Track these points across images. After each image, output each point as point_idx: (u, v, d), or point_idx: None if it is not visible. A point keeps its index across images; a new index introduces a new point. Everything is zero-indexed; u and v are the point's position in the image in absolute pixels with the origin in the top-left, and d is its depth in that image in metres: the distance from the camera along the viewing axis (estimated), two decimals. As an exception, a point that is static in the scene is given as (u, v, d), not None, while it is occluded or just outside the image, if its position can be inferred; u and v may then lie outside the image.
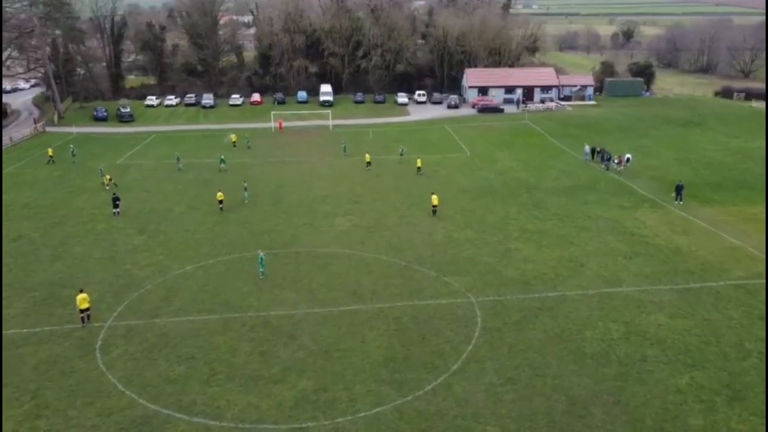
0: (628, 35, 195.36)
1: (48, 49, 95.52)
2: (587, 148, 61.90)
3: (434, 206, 44.90)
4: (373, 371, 25.58)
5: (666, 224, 42.52)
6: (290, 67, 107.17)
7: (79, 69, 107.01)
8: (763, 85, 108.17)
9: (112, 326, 29.58)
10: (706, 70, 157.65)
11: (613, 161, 57.62)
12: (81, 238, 41.68)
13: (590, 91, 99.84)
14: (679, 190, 47.12)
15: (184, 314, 30.60)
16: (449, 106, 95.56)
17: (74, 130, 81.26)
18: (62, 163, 63.30)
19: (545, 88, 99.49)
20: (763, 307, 30.35)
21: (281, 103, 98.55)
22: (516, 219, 44.24)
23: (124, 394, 24.18)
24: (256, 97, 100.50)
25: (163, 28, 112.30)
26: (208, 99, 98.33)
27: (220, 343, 27.86)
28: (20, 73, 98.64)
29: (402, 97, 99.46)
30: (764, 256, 36.27)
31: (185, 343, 27.91)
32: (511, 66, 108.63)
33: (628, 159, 57.38)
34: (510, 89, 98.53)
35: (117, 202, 46.24)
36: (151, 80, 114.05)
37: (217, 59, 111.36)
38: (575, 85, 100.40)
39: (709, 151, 65.24)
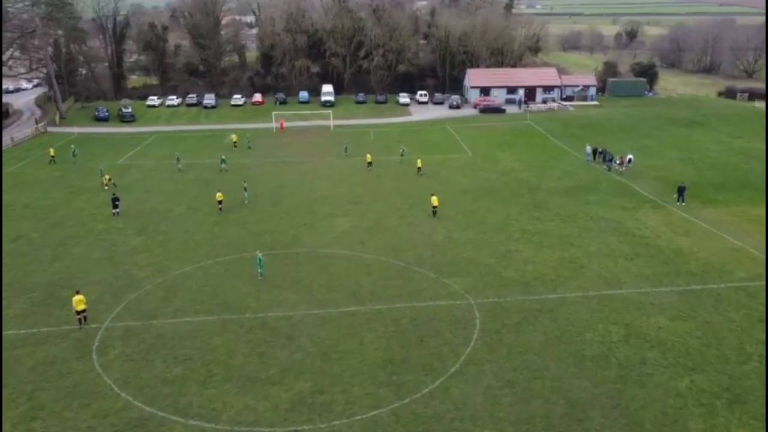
0: (632, 35, 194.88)
1: (50, 49, 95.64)
2: (589, 149, 61.64)
3: (434, 207, 44.72)
4: (371, 373, 25.42)
5: (667, 225, 42.26)
6: (292, 67, 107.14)
7: (81, 69, 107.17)
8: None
9: (109, 327, 29.48)
10: (710, 70, 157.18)
11: (615, 162, 57.36)
12: (80, 238, 41.62)
13: (593, 91, 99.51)
14: (681, 191, 46.83)
15: (183, 315, 30.49)
16: (451, 107, 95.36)
17: (75, 130, 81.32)
18: (63, 163, 63.31)
19: (547, 89, 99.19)
20: (764, 309, 30.10)
21: (283, 103, 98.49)
22: (517, 220, 44.04)
23: (120, 396, 24.06)
24: (257, 97, 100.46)
25: (165, 28, 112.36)
26: (209, 99, 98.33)
27: (218, 345, 27.73)
28: (22, 73, 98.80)
29: (404, 98, 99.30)
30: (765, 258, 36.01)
31: (183, 344, 27.78)
32: (514, 66, 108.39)
33: (629, 159, 57.13)
34: (512, 89, 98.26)
35: (116, 203, 46.18)
36: (154, 80, 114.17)
37: (219, 59, 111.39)
38: (578, 86, 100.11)
39: (712, 151, 64.93)
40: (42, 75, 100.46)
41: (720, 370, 25.27)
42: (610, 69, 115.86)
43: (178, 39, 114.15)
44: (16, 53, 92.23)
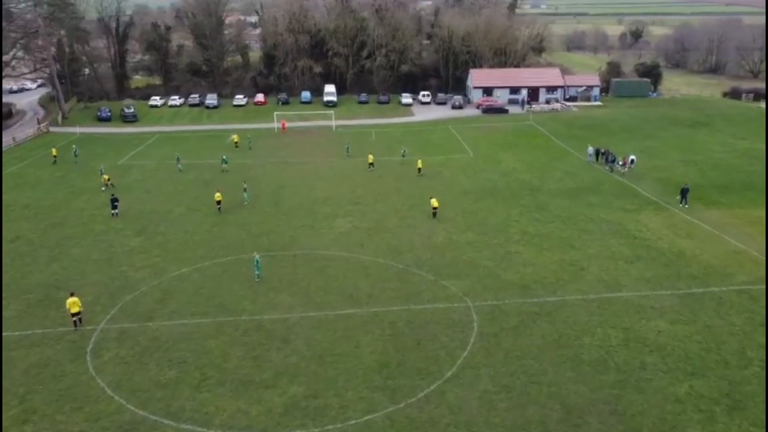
0: (637, 35, 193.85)
1: (53, 49, 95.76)
2: (590, 150, 61.24)
3: (434, 208, 44.43)
4: (366, 377, 25.17)
5: (669, 227, 41.86)
6: (294, 67, 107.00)
7: (84, 69, 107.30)
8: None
9: (104, 329, 29.34)
10: (715, 70, 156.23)
11: (618, 163, 56.93)
12: (79, 239, 41.53)
13: (596, 91, 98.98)
14: (684, 193, 46.32)
15: (178, 317, 30.31)
16: (453, 107, 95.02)
17: (77, 130, 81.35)
18: (64, 163, 63.32)
19: (551, 89, 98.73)
20: (765, 313, 29.68)
21: (285, 103, 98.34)
22: (518, 221, 43.71)
23: (113, 399, 23.89)
24: (259, 97, 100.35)
25: (168, 28, 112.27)
26: (211, 99, 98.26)
27: (213, 347, 27.54)
28: (25, 73, 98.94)
29: (406, 98, 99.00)
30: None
31: (177, 347, 27.60)
32: (517, 66, 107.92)
33: (632, 160, 56.70)
34: (515, 90, 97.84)
35: (116, 203, 46.07)
36: (157, 80, 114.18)
37: (222, 59, 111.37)
38: (581, 86, 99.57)
39: (716, 152, 64.40)
40: (45, 75, 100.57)
41: (720, 375, 24.91)
42: (614, 69, 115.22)
43: (181, 39, 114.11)
44: (19, 53, 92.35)
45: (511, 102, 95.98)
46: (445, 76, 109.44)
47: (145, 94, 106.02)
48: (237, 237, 41.45)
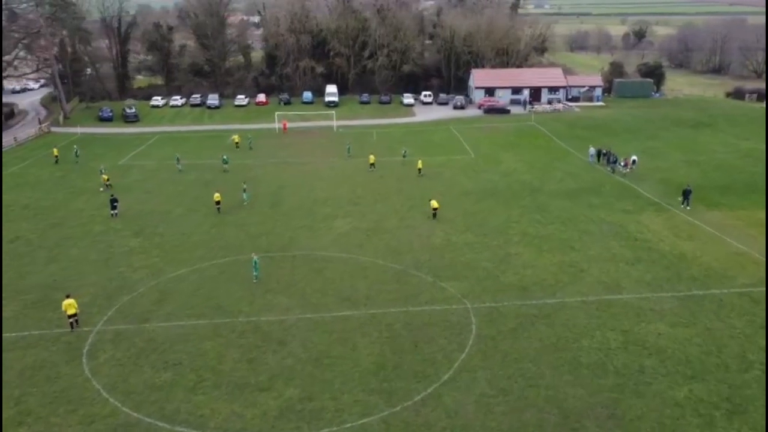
0: (640, 35, 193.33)
1: (56, 49, 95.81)
2: (592, 150, 60.96)
3: (434, 209, 44.23)
4: (363, 380, 24.99)
5: (671, 229, 41.57)
6: (296, 67, 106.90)
7: (87, 69, 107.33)
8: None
9: (101, 330, 29.21)
10: (719, 70, 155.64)
11: (620, 163, 56.62)
12: (78, 239, 41.44)
13: (599, 92, 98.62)
14: (686, 194, 45.97)
15: (175, 319, 30.17)
16: (455, 107, 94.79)
17: (79, 130, 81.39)
18: (65, 163, 63.30)
19: (553, 89, 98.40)
20: (765, 315, 29.42)
21: (287, 103, 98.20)
22: (518, 222, 43.47)
23: (108, 402, 23.75)
24: (261, 97, 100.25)
25: (170, 28, 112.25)
26: (213, 99, 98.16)
27: (209, 349, 27.38)
28: (27, 73, 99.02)
29: (408, 98, 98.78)
30: (771, 263, 35.32)
31: (173, 348, 27.46)
32: (519, 66, 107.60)
33: (634, 161, 56.41)
34: (517, 90, 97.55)
35: (115, 204, 46.00)
36: (159, 81, 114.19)
37: (224, 59, 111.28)
38: (583, 86, 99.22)
39: (719, 153, 64.05)
40: (47, 75, 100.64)
41: (720, 378, 24.66)
42: (617, 69, 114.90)
43: (183, 39, 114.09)
44: (21, 53, 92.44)
45: (513, 102, 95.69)
46: (447, 77, 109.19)
47: (147, 94, 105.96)
48: (236, 238, 41.32)
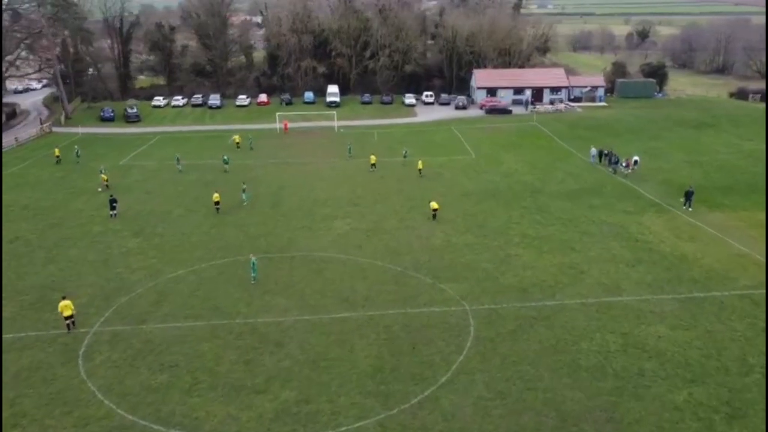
0: (643, 35, 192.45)
1: (58, 49, 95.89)
2: (594, 151, 60.67)
3: (434, 210, 44.05)
4: (360, 382, 24.83)
5: (672, 230, 41.31)
6: (298, 67, 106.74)
7: (89, 69, 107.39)
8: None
9: (98, 332, 29.11)
10: (722, 70, 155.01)
11: (621, 164, 56.32)
12: (77, 240, 41.37)
13: (601, 92, 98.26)
14: (688, 195, 45.69)
15: (172, 320, 30.06)
16: (457, 107, 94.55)
17: (80, 130, 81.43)
18: (66, 164, 63.28)
19: (555, 89, 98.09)
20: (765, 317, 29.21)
21: (288, 103, 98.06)
22: (518, 223, 43.25)
23: (103, 404, 23.64)
24: (262, 97, 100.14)
25: (172, 28, 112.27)
26: (214, 100, 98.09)
27: (206, 351, 27.26)
28: (30, 74, 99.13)
29: (409, 98, 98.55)
30: (773, 265, 35.03)
31: (170, 350, 27.34)
32: (521, 67, 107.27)
33: (635, 161, 56.11)
34: (519, 90, 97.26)
35: (114, 204, 45.92)
36: (161, 81, 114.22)
37: (226, 60, 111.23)
38: (585, 86, 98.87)
39: (722, 153, 63.70)
40: (50, 75, 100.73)
41: (720, 382, 24.43)
42: (619, 69, 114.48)
43: (185, 39, 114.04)
44: (24, 53, 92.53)
45: (515, 102, 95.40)
46: (449, 77, 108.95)
47: (149, 94, 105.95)
48: (235, 238, 41.20)
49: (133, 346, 27.79)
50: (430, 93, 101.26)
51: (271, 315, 30.38)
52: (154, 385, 24.75)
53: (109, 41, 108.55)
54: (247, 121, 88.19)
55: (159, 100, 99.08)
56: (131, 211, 47.17)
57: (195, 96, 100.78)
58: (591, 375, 25.04)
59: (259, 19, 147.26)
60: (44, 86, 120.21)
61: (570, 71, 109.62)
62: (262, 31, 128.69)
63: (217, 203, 46.58)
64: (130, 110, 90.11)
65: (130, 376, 25.44)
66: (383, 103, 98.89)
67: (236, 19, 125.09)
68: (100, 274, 35.60)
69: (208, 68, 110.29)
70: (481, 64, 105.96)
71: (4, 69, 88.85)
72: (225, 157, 60.69)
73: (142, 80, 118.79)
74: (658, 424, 22.06)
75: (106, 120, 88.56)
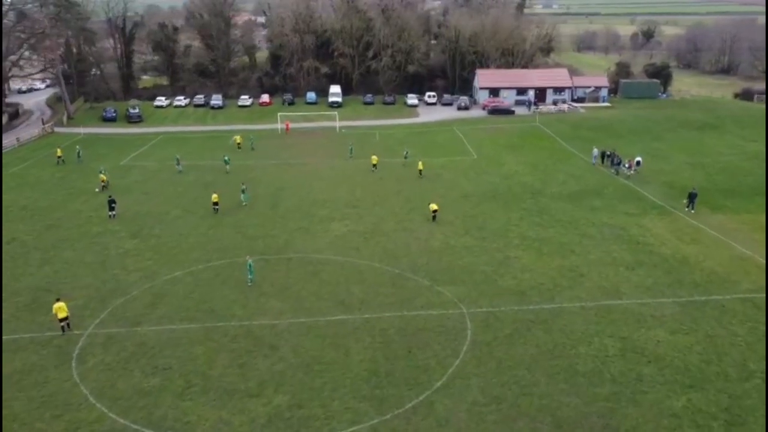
0: (648, 35, 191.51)
1: (61, 49, 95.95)
2: (596, 151, 60.21)
3: (434, 211, 43.73)
4: (354, 387, 24.56)
5: (673, 232, 40.88)
6: (300, 67, 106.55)
7: (92, 69, 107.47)
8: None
9: (92, 334, 28.93)
10: (727, 71, 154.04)
11: (624, 165, 55.86)
12: (74, 241, 41.23)
13: (604, 92, 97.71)
14: (692, 197, 45.20)
15: (167, 322, 29.85)
16: (459, 108, 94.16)
17: (82, 130, 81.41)
18: (67, 164, 63.18)
19: (558, 90, 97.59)
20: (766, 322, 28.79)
21: (290, 104, 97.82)
22: (518, 225, 42.90)
23: (95, 407, 23.45)
24: (264, 98, 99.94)
25: (176, 28, 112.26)
26: (216, 100, 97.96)
27: (199, 354, 27.03)
28: (33, 74, 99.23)
29: (412, 99, 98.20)
30: (775, 268, 34.58)
31: (163, 353, 27.13)
32: (525, 67, 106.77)
33: (638, 162, 55.64)
34: (522, 90, 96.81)
35: (113, 205, 45.79)
36: (164, 81, 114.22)
37: (228, 60, 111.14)
38: (589, 87, 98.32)
39: (725, 155, 63.15)
40: (53, 75, 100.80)
41: (720, 388, 24.05)
42: (623, 70, 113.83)
43: (188, 39, 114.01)
44: (27, 53, 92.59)
45: (518, 103, 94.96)
46: (452, 77, 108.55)
47: (151, 94, 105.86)
48: (232, 240, 40.98)
49: (127, 348, 27.60)
50: (432, 93, 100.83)
51: (266, 317, 30.14)
52: (147, 389, 24.55)
53: (112, 41, 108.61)
54: (249, 121, 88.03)
55: (161, 101, 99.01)
56: (129, 212, 47.01)
57: (197, 96, 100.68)
58: (588, 380, 24.71)
59: (262, 19, 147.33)
60: (48, 86, 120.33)
61: (574, 71, 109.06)
62: (265, 32, 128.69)
63: (215, 204, 46.38)
64: (132, 110, 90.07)
65: (123, 379, 25.25)
66: (385, 103, 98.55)
67: (239, 19, 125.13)
68: (96, 276, 35.43)
69: (211, 68, 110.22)
70: (484, 64, 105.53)
71: (7, 69, 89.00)
72: (226, 158, 60.52)
73: (145, 80, 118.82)
74: (655, 430, 21.71)
75: (108, 120, 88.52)
